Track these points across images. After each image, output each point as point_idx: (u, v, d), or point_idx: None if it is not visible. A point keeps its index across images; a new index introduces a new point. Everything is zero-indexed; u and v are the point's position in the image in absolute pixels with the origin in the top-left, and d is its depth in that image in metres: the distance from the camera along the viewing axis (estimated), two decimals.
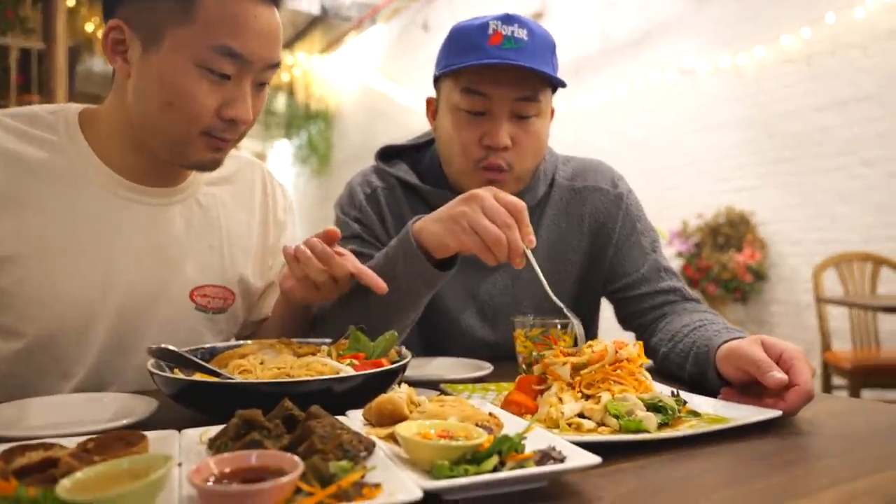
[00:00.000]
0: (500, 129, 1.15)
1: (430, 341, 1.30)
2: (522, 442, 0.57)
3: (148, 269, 1.02)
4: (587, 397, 0.78)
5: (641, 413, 0.73)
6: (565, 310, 0.94)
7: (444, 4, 7.00)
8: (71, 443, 0.60)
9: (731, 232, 4.41)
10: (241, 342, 0.96)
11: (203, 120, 0.93)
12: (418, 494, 0.48)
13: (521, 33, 1.13)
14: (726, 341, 0.92)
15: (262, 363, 0.84)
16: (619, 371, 0.80)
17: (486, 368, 1.08)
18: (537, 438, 0.61)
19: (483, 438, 0.56)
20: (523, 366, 1.02)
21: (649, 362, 0.80)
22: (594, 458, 0.55)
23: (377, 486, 0.50)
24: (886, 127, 3.78)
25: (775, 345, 0.83)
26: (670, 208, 4.83)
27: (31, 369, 0.94)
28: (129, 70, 0.94)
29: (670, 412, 0.75)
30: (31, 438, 0.62)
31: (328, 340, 0.98)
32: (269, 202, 1.23)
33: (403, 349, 0.92)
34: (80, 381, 0.97)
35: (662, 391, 0.83)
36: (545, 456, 0.55)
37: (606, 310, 1.36)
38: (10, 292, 0.92)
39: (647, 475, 0.60)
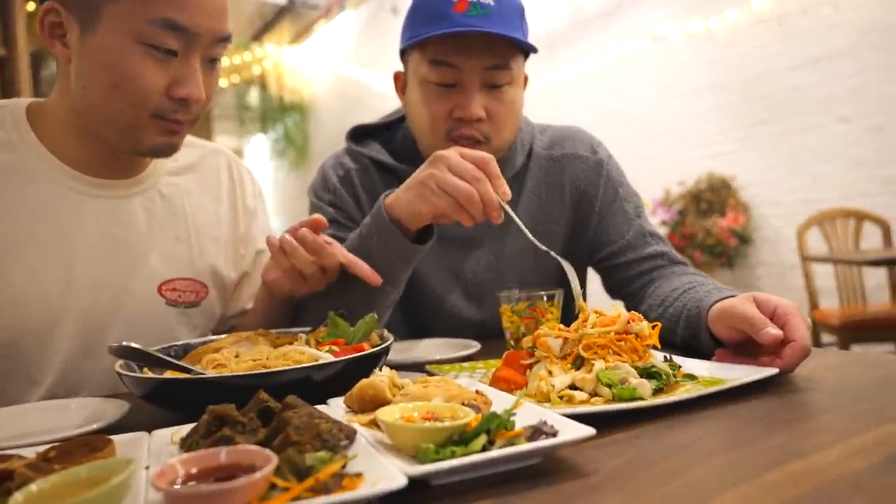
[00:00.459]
0: (472, 101, 1.12)
1: (416, 325, 1.28)
2: (512, 419, 0.54)
3: (110, 265, 0.98)
4: (579, 367, 0.76)
5: (635, 380, 0.71)
6: (552, 253, 0.92)
7: None
8: (32, 453, 0.56)
9: (713, 197, 4.42)
10: (216, 337, 0.93)
11: (151, 101, 0.89)
12: (403, 481, 0.45)
13: None
14: (717, 301, 0.90)
15: (237, 356, 0.81)
16: (622, 343, 0.77)
17: (474, 347, 1.06)
18: (528, 414, 0.59)
19: (470, 418, 0.54)
20: (511, 341, 1.02)
21: (659, 346, 0.79)
22: (588, 430, 0.53)
23: (358, 475, 0.47)
24: (861, 82, 3.78)
25: (768, 301, 0.81)
26: (651, 177, 4.81)
27: None
28: (69, 54, 0.89)
29: (665, 377, 0.73)
30: None
31: (307, 329, 0.95)
32: (237, 189, 1.19)
33: (385, 332, 0.89)
34: (48, 387, 0.93)
35: (655, 357, 0.80)
36: (536, 431, 0.53)
37: (593, 280, 1.35)
38: None
39: (643, 444, 0.57)
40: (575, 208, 1.29)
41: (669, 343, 1.02)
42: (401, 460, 0.51)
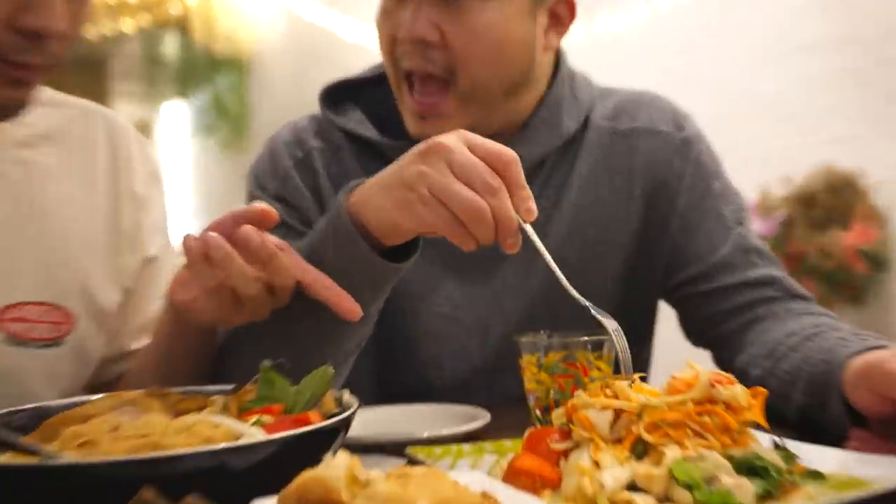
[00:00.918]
0: (414, 16, 1.17)
1: (393, 380, 1.29)
2: None
3: None
4: (641, 456, 0.75)
5: (729, 479, 0.69)
6: (592, 309, 0.92)
7: None
8: None
9: (831, 202, 4.41)
10: (88, 397, 0.90)
11: None
12: None
13: None
14: (857, 353, 0.90)
15: (115, 429, 0.78)
16: (705, 417, 0.76)
17: (480, 419, 1.07)
18: None
19: None
20: (536, 412, 1.04)
21: (765, 425, 0.79)
22: None
23: None
24: None
25: None
26: (742, 172, 4.74)
27: None
28: None
29: (775, 475, 0.71)
30: None
31: (228, 388, 0.94)
32: (122, 168, 1.19)
33: (346, 395, 0.89)
34: None
35: (759, 440, 0.80)
36: None
37: (666, 320, 1.37)
38: None
39: None
40: (647, 206, 1.32)
41: (780, 416, 1.00)
42: None
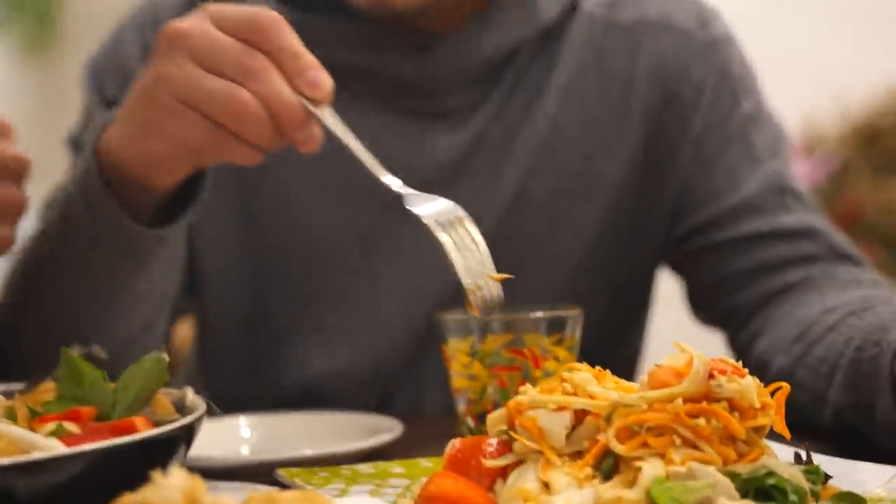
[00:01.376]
0: None
1: (268, 366, 1.34)
2: None
3: None
4: (608, 475, 0.76)
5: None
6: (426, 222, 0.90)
7: None
8: None
9: None
10: None
11: None
12: None
13: None
14: None
15: None
16: (700, 420, 0.76)
17: (387, 431, 1.07)
18: None
19: None
20: (468, 420, 1.04)
21: (786, 434, 0.81)
22: None
23: None
24: None
25: None
26: (779, 93, 4.87)
27: None
28: None
29: (794, 500, 0.73)
30: None
31: (19, 386, 0.96)
32: None
33: (190, 394, 0.90)
34: None
35: (774, 453, 0.80)
36: None
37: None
38: None
39: None
40: (651, 125, 1.35)
41: (811, 420, 1.03)
42: None
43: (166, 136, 0.94)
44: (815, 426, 1.00)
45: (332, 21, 1.29)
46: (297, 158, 1.00)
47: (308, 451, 1.02)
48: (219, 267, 1.35)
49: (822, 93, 4.76)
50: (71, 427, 0.82)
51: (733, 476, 0.73)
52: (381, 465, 0.95)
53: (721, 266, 1.29)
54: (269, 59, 0.90)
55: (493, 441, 0.81)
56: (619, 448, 0.75)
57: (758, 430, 0.78)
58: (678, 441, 0.75)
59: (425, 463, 0.93)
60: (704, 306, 1.34)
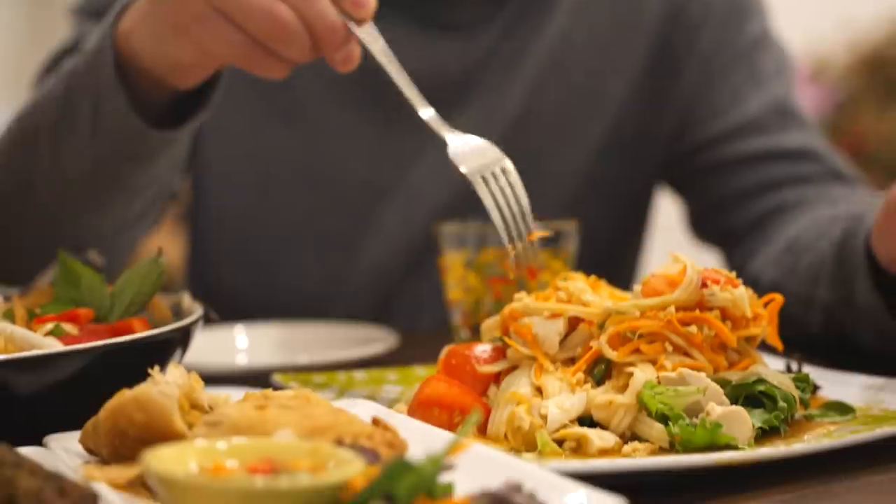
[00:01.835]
0: None
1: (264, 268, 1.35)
2: (445, 476, 0.55)
3: None
4: (601, 380, 0.78)
5: (719, 408, 0.72)
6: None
7: None
8: None
9: None
10: None
11: None
12: None
13: None
14: None
15: None
16: (692, 328, 0.78)
17: (382, 340, 1.09)
18: (484, 468, 0.61)
19: (353, 470, 0.55)
20: (464, 331, 1.06)
21: (778, 345, 0.82)
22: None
23: None
24: None
25: None
26: (786, 20, 4.82)
27: None
28: None
29: (784, 405, 0.74)
30: None
31: (11, 289, 0.98)
32: None
33: (187, 299, 0.91)
34: None
35: (766, 363, 0.82)
36: (499, 503, 0.55)
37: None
38: None
39: None
40: (658, 43, 1.36)
41: (802, 330, 1.04)
42: None
43: (195, 44, 0.92)
44: (806, 341, 0.99)
45: None
46: (309, 66, 0.96)
47: (304, 359, 1.03)
48: (222, 168, 1.35)
49: (829, 21, 4.72)
50: (69, 328, 0.83)
51: (723, 383, 0.74)
52: (376, 372, 0.96)
53: (721, 185, 1.31)
54: None
55: (487, 347, 0.83)
56: (611, 354, 0.76)
57: (749, 339, 0.80)
58: (670, 348, 0.77)
59: (420, 371, 0.94)
60: (703, 226, 1.35)
